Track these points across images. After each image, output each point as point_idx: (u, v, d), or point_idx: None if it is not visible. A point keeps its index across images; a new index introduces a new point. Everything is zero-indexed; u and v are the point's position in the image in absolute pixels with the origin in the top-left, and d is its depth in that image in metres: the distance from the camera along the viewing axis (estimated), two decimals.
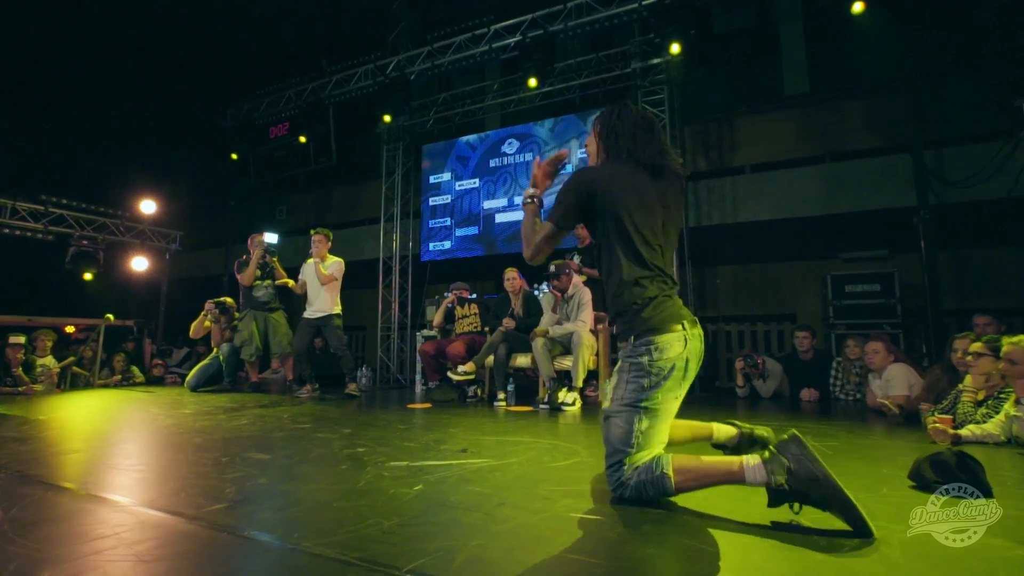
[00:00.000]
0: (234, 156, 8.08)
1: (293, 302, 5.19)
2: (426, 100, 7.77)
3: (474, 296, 5.27)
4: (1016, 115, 3.80)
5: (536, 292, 5.35)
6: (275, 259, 5.09)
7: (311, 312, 4.75)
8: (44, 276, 7.57)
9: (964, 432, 2.46)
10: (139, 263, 7.12)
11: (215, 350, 5.27)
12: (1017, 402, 2.31)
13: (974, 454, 1.81)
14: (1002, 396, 2.54)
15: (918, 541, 1.25)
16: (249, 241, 5.18)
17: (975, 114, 5.35)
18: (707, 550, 1.21)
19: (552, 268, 4.12)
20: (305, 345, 4.77)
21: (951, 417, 2.58)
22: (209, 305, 5.21)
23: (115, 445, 2.54)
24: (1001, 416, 2.44)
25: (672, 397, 1.56)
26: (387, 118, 6.73)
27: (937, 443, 2.41)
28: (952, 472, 1.64)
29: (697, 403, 4.56)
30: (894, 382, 3.41)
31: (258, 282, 5.11)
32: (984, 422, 2.51)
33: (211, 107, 8.35)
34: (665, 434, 1.56)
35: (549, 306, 4.34)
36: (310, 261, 4.84)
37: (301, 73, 7.80)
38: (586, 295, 4.14)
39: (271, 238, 5.09)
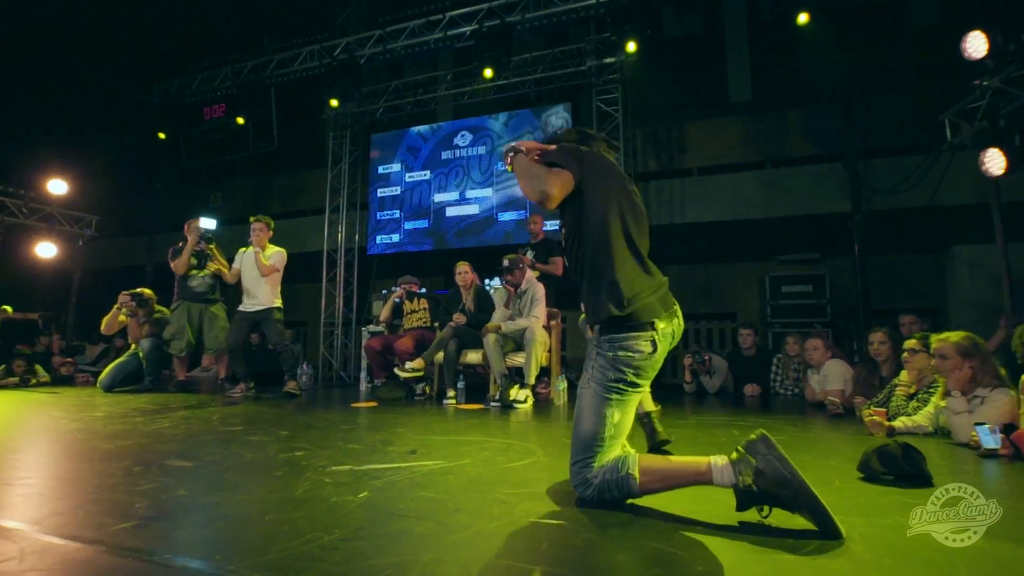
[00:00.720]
0: (162, 136, 7.42)
1: (231, 295, 4.80)
2: (376, 87, 7.46)
3: (423, 291, 5.09)
4: (939, 130, 4.08)
5: (487, 287, 5.25)
6: (213, 246, 4.67)
7: (249, 305, 4.40)
8: None
9: (897, 424, 2.58)
10: (46, 249, 6.37)
11: (133, 346, 4.77)
12: (946, 394, 2.44)
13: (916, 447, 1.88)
14: (931, 390, 2.69)
15: (878, 535, 1.25)
16: (185, 227, 4.75)
17: (902, 128, 5.74)
18: (678, 554, 1.15)
19: (506, 262, 4.03)
20: (241, 340, 4.41)
21: (885, 410, 2.70)
22: (124, 297, 4.69)
23: (3, 456, 2.20)
24: (930, 408, 2.58)
25: (643, 388, 1.54)
26: (335, 103, 6.39)
27: (874, 435, 2.51)
28: (898, 463, 1.68)
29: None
30: (831, 377, 3.57)
31: (193, 271, 4.68)
32: (915, 414, 2.65)
33: (136, 81, 7.62)
34: (628, 426, 1.53)
35: (502, 301, 4.25)
36: (247, 250, 4.48)
37: (240, 50, 7.28)
38: (539, 291, 4.08)
39: (208, 224, 4.66)
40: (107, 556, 1.14)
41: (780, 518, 1.32)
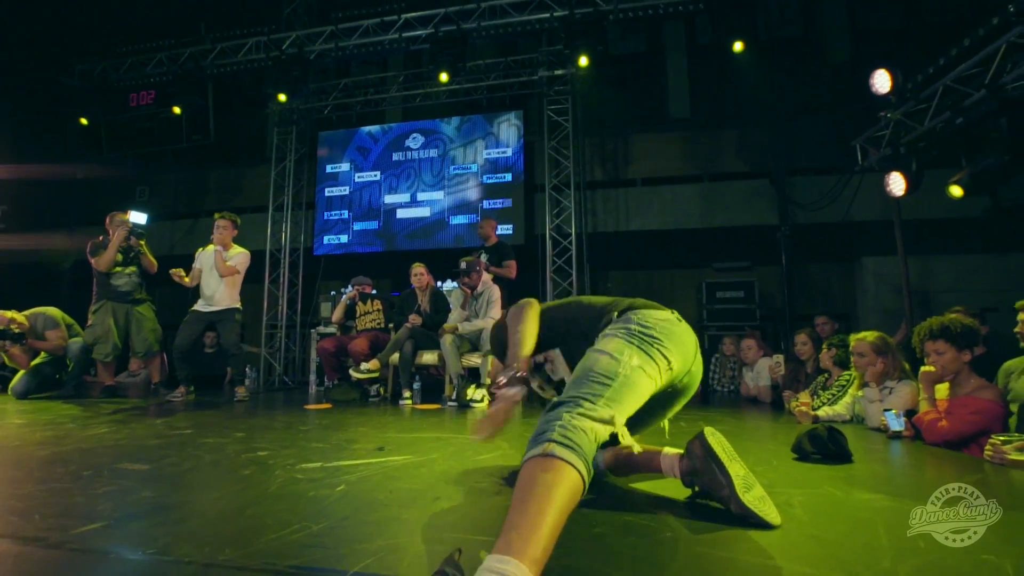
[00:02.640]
0: (83, 121, 6.85)
1: (190, 295, 4.47)
2: (324, 84, 7.29)
3: (375, 292, 5.04)
4: (852, 153, 4.58)
5: (441, 288, 5.27)
6: (142, 243, 4.37)
7: (205, 305, 4.19)
8: None
9: (819, 413, 2.90)
10: None
11: (43, 354, 4.34)
12: (863, 385, 2.77)
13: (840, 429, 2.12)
14: (840, 382, 3.04)
15: (812, 501, 1.44)
16: (107, 220, 4.41)
17: (822, 149, 6.35)
18: (647, 524, 1.27)
19: (463, 265, 4.09)
20: (191, 341, 4.16)
21: (810, 400, 3.02)
22: None
23: None
24: (847, 398, 2.91)
25: (667, 371, 1.38)
26: (282, 97, 6.17)
27: (801, 423, 2.80)
28: (825, 444, 1.92)
29: None
30: (763, 374, 3.91)
31: (119, 268, 4.35)
32: (830, 404, 2.98)
33: (55, 61, 6.98)
34: (632, 409, 1.27)
35: (458, 303, 4.30)
36: (209, 249, 4.25)
37: (175, 36, 6.86)
38: (495, 292, 4.17)
39: (138, 218, 4.36)
40: (82, 555, 1.10)
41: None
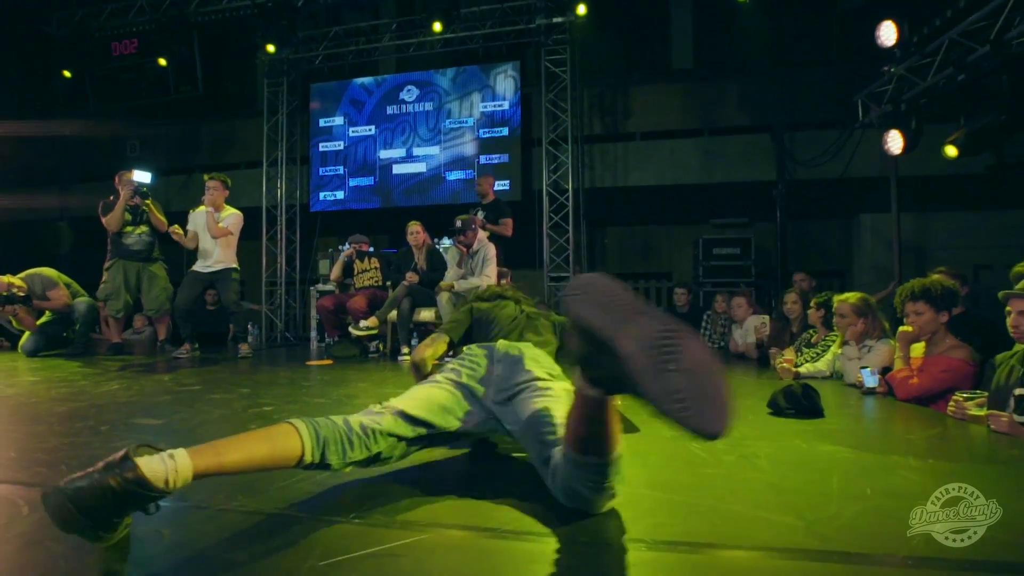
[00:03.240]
0: (67, 74, 6.65)
1: (188, 256, 4.53)
2: (314, 32, 7.02)
3: (372, 249, 5.09)
4: (854, 108, 4.50)
5: (438, 246, 5.31)
6: (149, 201, 4.37)
7: (203, 266, 4.26)
8: None
9: (802, 370, 3.02)
10: None
11: (47, 313, 4.44)
12: (843, 344, 2.88)
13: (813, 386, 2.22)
14: (826, 342, 3.16)
15: (778, 454, 1.55)
16: (116, 178, 4.40)
17: (825, 103, 6.22)
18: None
19: (458, 223, 4.12)
20: (191, 300, 4.26)
21: (793, 358, 3.14)
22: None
23: None
24: (829, 356, 3.03)
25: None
26: (271, 48, 5.98)
27: (783, 379, 2.92)
28: (798, 400, 2.03)
29: None
30: (751, 331, 4.02)
31: (128, 228, 4.39)
32: (812, 362, 3.10)
33: (32, 9, 6.70)
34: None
35: (454, 261, 4.36)
36: (200, 209, 4.26)
37: None
38: (491, 250, 4.22)
39: (143, 177, 4.33)
40: None
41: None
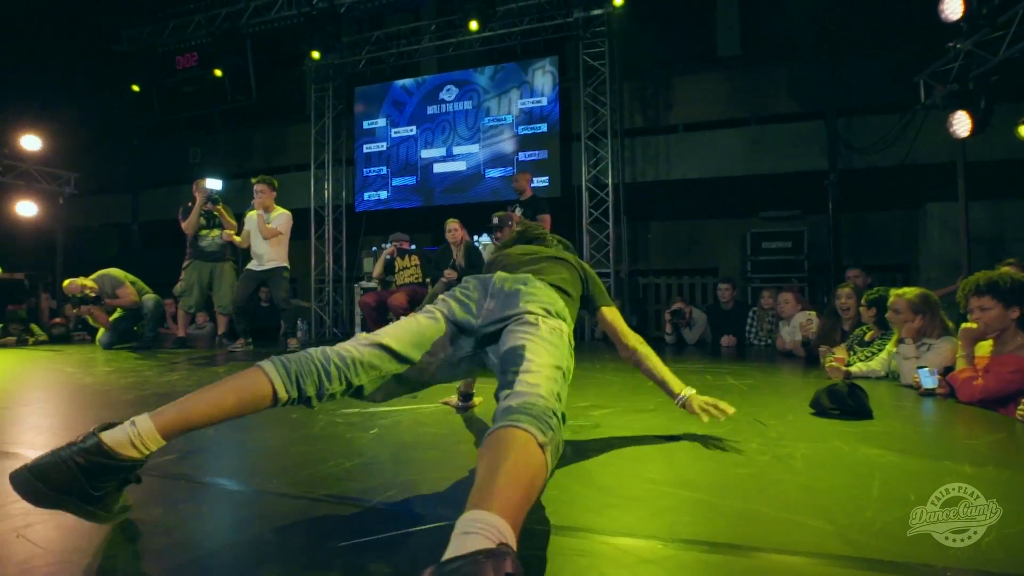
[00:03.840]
0: (135, 88, 7.16)
1: (242, 256, 4.85)
2: (357, 38, 7.24)
3: (414, 247, 5.20)
4: (914, 90, 4.19)
5: (477, 243, 5.37)
6: (221, 207, 4.69)
7: (257, 264, 4.53)
8: None
9: (853, 369, 2.85)
10: (26, 208, 6.27)
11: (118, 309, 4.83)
12: (899, 342, 2.70)
13: (863, 386, 2.09)
14: (882, 340, 2.96)
15: (815, 455, 1.48)
16: (194, 186, 4.76)
17: (884, 85, 5.81)
18: (639, 457, 1.36)
19: (495, 220, 4.14)
20: (246, 297, 4.53)
21: (845, 357, 2.97)
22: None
23: (29, 405, 2.35)
24: (883, 355, 2.84)
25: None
26: (316, 55, 6.22)
27: (832, 379, 2.77)
28: (843, 399, 1.92)
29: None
30: (799, 329, 3.83)
31: (203, 231, 4.72)
32: (870, 360, 2.92)
33: (104, 29, 7.26)
34: None
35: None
36: (253, 213, 4.53)
37: None
38: None
39: (214, 184, 4.65)
40: (160, 480, 1.31)
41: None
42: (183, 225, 4.72)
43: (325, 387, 1.14)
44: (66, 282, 4.77)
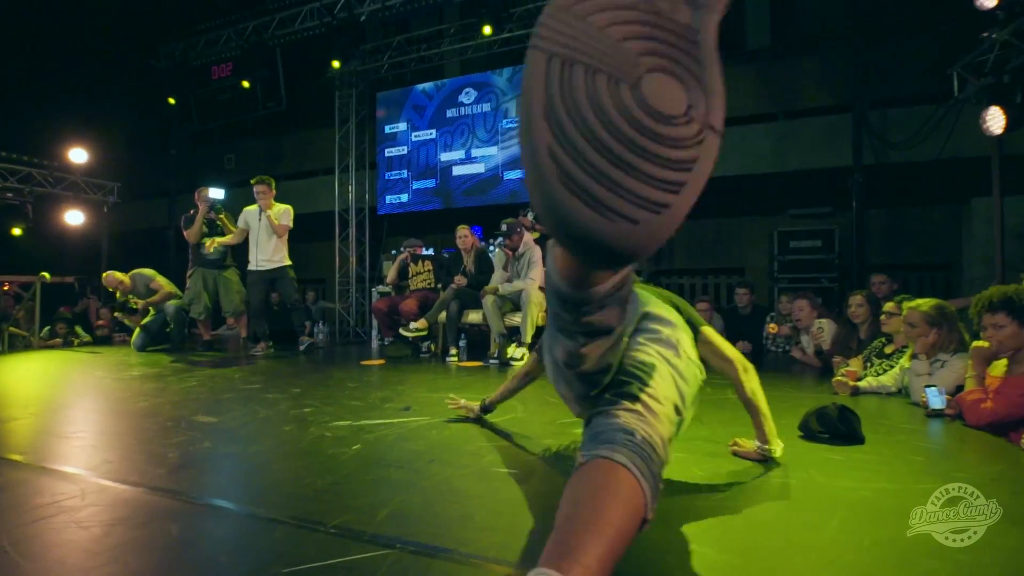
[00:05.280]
0: (171, 100, 7.53)
1: (243, 258, 5.05)
2: (380, 43, 7.36)
3: (430, 251, 5.29)
4: (948, 82, 3.94)
5: (490, 249, 5.40)
6: (223, 215, 4.88)
7: (262, 264, 4.62)
8: None
9: (863, 384, 2.74)
10: (74, 217, 6.71)
11: (151, 311, 5.11)
12: (913, 357, 2.57)
13: (870, 403, 2.01)
14: (904, 351, 2.82)
15: (787, 486, 1.44)
16: (196, 194, 4.96)
17: (917, 76, 5.50)
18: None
19: (504, 227, 4.16)
20: (261, 301, 4.70)
21: (855, 371, 2.85)
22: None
23: (57, 412, 2.54)
24: (896, 369, 2.71)
25: None
26: (336, 64, 6.37)
27: (839, 394, 2.67)
28: (834, 424, 1.86)
29: None
30: (812, 338, 3.70)
31: (205, 240, 4.94)
32: (883, 375, 2.79)
33: (141, 47, 7.66)
34: None
35: (501, 264, 4.41)
36: (252, 208, 4.65)
37: (241, 9, 7.21)
38: (536, 253, 4.22)
39: (217, 193, 4.84)
40: (148, 495, 1.42)
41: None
42: (186, 234, 4.91)
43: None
44: (105, 274, 5.14)
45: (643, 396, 0.88)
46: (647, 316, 1.12)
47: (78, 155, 6.60)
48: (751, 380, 1.51)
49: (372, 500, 1.36)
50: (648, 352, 1.01)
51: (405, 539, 1.12)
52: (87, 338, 5.62)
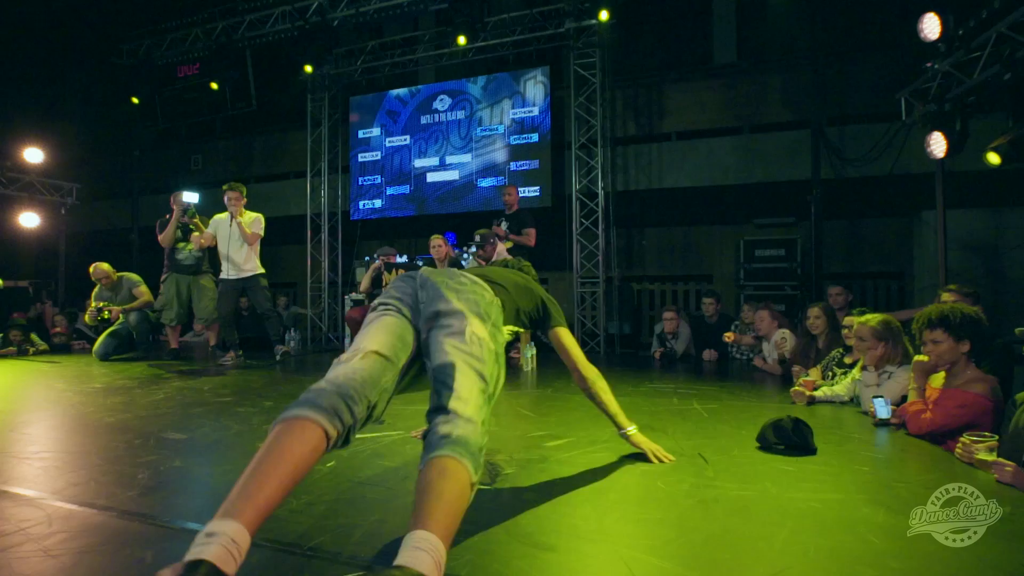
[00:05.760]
0: (135, 100, 7.30)
1: (218, 265, 4.96)
2: (354, 48, 7.32)
3: (403, 260, 5.29)
4: (898, 104, 4.19)
5: (464, 256, 5.44)
6: (197, 219, 4.78)
7: (234, 272, 4.57)
8: None
9: (818, 393, 2.89)
10: (29, 219, 6.44)
11: (120, 316, 4.96)
12: (863, 369, 2.73)
13: (825, 412, 2.12)
14: (860, 362, 2.99)
15: (740, 498, 1.54)
16: (172, 199, 4.85)
17: (871, 96, 5.80)
18: (570, 501, 1.43)
19: (477, 238, 4.21)
20: (231, 309, 4.63)
21: (812, 380, 3.00)
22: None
23: (15, 430, 2.45)
24: (848, 380, 2.88)
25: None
26: (308, 68, 6.31)
27: (796, 403, 2.82)
28: (788, 435, 1.97)
29: (620, 362, 4.94)
30: (776, 347, 3.87)
31: (180, 244, 4.83)
32: (836, 385, 2.95)
33: (103, 43, 7.40)
34: None
35: None
36: (222, 216, 4.58)
37: (211, 6, 7.05)
38: None
39: (191, 197, 4.73)
40: (117, 520, 1.40)
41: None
42: (160, 238, 4.81)
43: (355, 412, 1.14)
44: (94, 265, 5.00)
45: (451, 404, 1.17)
46: (439, 314, 1.34)
47: (34, 155, 6.34)
48: (603, 387, 1.82)
49: (347, 520, 1.39)
50: (446, 351, 1.26)
51: (381, 560, 1.16)
52: (44, 346, 5.38)
